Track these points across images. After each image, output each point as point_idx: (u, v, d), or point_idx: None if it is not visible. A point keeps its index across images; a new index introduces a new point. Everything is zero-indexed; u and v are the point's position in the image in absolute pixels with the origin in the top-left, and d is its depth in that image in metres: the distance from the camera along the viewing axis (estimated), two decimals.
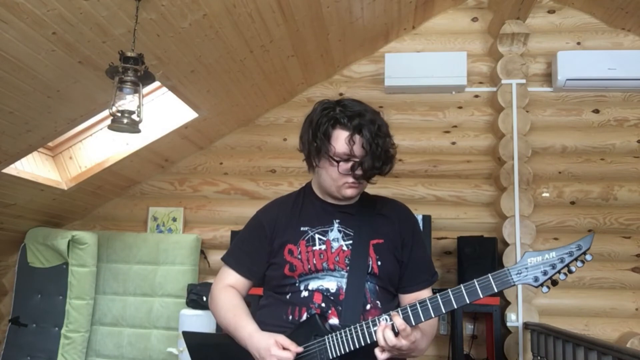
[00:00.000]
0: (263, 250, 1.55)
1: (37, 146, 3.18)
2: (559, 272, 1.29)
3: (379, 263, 1.49)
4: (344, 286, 1.45)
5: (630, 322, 3.58)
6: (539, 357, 3.16)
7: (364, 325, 1.35)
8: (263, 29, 3.03)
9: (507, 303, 3.54)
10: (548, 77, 3.88)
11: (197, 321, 3.39)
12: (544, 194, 3.78)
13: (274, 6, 2.85)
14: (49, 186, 3.47)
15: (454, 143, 3.94)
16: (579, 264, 1.26)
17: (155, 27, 2.55)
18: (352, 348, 1.35)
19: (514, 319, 3.50)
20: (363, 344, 1.35)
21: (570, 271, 1.27)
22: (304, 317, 1.43)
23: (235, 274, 1.58)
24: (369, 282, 1.47)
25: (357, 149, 1.46)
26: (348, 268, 1.47)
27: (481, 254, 3.47)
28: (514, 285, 1.26)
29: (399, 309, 1.34)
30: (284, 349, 1.36)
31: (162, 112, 3.60)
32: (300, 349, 1.36)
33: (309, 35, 3.37)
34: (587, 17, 3.92)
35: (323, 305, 1.43)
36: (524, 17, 3.72)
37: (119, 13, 2.33)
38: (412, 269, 1.57)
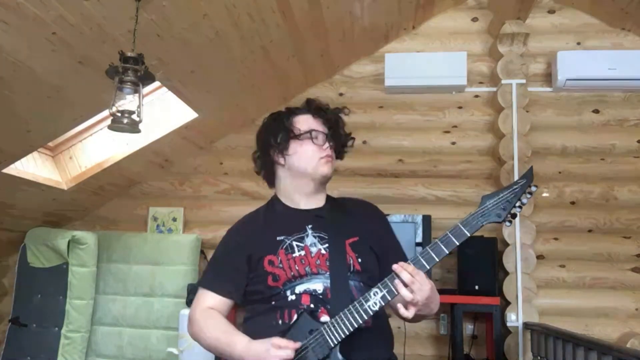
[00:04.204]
0: (242, 267, 1.54)
1: (37, 146, 3.18)
2: (514, 206, 1.40)
3: (360, 260, 1.54)
4: (330, 286, 1.47)
5: (630, 322, 3.58)
6: (539, 357, 3.17)
7: (356, 304, 1.37)
8: (263, 29, 3.03)
9: (507, 303, 3.54)
10: (548, 77, 3.88)
11: None
12: (544, 194, 3.78)
13: (274, 6, 2.85)
14: (49, 186, 3.47)
15: (454, 143, 3.94)
16: (528, 196, 1.39)
17: (155, 27, 2.55)
18: (352, 328, 1.36)
19: (514, 319, 3.50)
20: (361, 322, 1.37)
21: (522, 204, 1.40)
22: (294, 318, 1.44)
23: (215, 295, 1.56)
24: (353, 280, 1.51)
25: (321, 126, 1.60)
26: (330, 270, 1.49)
27: (481, 254, 3.47)
28: (483, 225, 1.41)
29: (409, 261, 1.38)
30: (282, 348, 1.37)
31: (162, 112, 3.60)
32: (298, 344, 1.37)
33: (309, 35, 3.37)
34: (587, 17, 3.92)
35: (312, 305, 1.45)
36: (524, 17, 3.72)
37: (119, 13, 2.33)
38: (390, 259, 1.60)
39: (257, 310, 1.53)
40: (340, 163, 4.48)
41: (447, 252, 1.38)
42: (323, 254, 1.51)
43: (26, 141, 3.00)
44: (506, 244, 3.62)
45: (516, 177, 3.63)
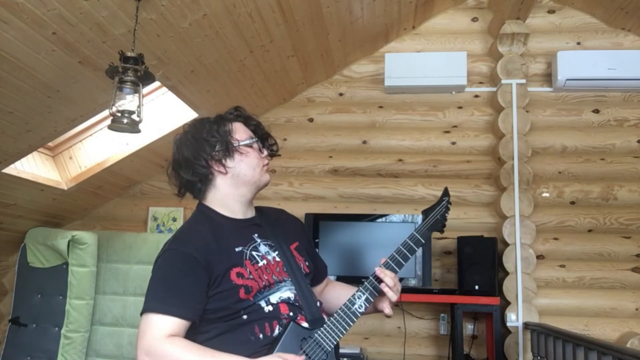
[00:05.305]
0: (202, 284, 1.37)
1: (37, 146, 3.18)
2: (445, 218, 1.65)
3: (307, 263, 1.59)
4: (297, 292, 1.48)
5: (630, 322, 3.59)
6: (539, 357, 3.17)
7: (344, 308, 1.46)
8: (263, 29, 3.03)
9: (507, 303, 3.54)
10: (548, 77, 3.88)
11: None
12: (544, 194, 3.78)
13: (274, 6, 2.85)
14: (49, 186, 3.47)
15: (454, 143, 3.94)
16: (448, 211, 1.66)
17: (155, 27, 2.55)
18: (345, 331, 1.44)
19: (514, 319, 3.50)
20: (352, 324, 1.46)
21: (447, 215, 1.66)
22: (277, 330, 1.39)
23: (176, 320, 1.33)
24: (307, 284, 1.55)
25: (254, 133, 1.61)
26: (290, 276, 1.50)
27: (481, 254, 3.47)
28: (431, 234, 1.64)
29: (382, 265, 1.50)
30: None
31: (162, 112, 3.60)
32: (302, 357, 1.34)
33: (309, 35, 3.37)
34: (587, 17, 3.92)
35: (291, 314, 1.43)
36: (524, 17, 3.72)
37: (119, 13, 2.33)
38: (318, 261, 1.71)
39: (219, 330, 1.39)
40: (340, 163, 4.47)
41: (410, 257, 1.54)
42: (278, 261, 1.50)
43: (26, 141, 3.00)
44: (506, 244, 3.62)
45: (516, 177, 3.64)
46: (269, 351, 1.35)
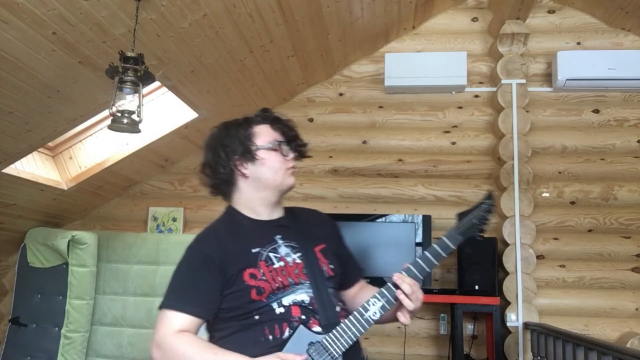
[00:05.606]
0: (217, 283, 1.43)
1: (37, 146, 3.18)
2: (483, 223, 1.52)
3: (331, 266, 1.54)
4: (313, 295, 1.46)
5: (630, 322, 3.58)
6: (539, 357, 3.17)
7: (356, 314, 1.41)
8: (263, 29, 3.03)
9: (507, 303, 3.54)
10: (548, 77, 3.88)
11: None
12: (544, 194, 3.78)
13: (274, 6, 2.85)
14: (49, 186, 3.47)
15: (454, 143, 3.94)
16: (489, 215, 1.53)
17: (155, 27, 2.55)
18: (355, 338, 1.40)
19: (514, 319, 3.50)
20: (363, 331, 1.40)
21: (488, 220, 1.53)
22: (286, 332, 1.40)
23: (187, 316, 1.39)
24: (329, 287, 1.51)
25: (281, 135, 1.58)
26: (309, 278, 1.48)
27: (481, 254, 3.47)
28: (463, 240, 1.51)
29: (402, 271, 1.44)
30: None
31: (162, 112, 3.60)
32: (304, 356, 1.35)
33: (309, 35, 3.37)
34: (587, 17, 3.92)
35: (303, 317, 1.42)
36: (524, 17, 3.72)
37: (119, 13, 2.33)
38: (350, 264, 1.66)
39: (233, 329, 1.43)
40: (340, 163, 4.46)
41: (436, 264, 1.46)
42: (298, 263, 1.49)
43: (26, 141, 3.00)
44: (506, 244, 3.62)
45: (516, 177, 3.64)
46: (278, 351, 1.35)
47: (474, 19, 4.03)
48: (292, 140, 1.60)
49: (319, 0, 3.06)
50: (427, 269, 1.45)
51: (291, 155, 1.58)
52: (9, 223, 3.63)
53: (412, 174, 3.94)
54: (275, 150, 1.55)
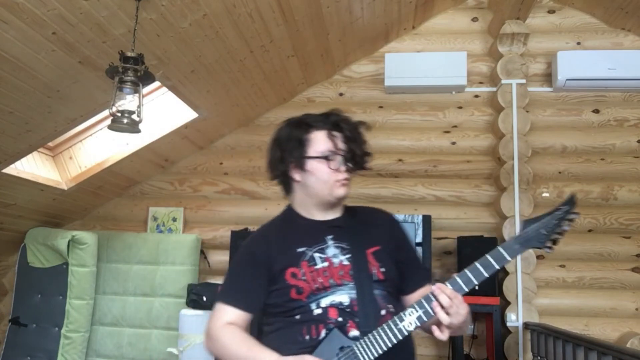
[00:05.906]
0: (262, 280, 1.49)
1: (37, 146, 3.18)
2: (555, 232, 1.35)
3: (383, 269, 1.50)
4: (356, 297, 1.43)
5: (630, 322, 3.58)
6: (539, 357, 3.17)
7: (390, 323, 1.36)
8: (263, 29, 3.03)
9: (507, 303, 3.54)
10: (548, 77, 3.88)
11: (197, 321, 3.39)
12: (544, 194, 3.78)
13: (274, 6, 2.85)
14: (49, 186, 3.47)
15: (454, 143, 3.94)
16: (569, 223, 1.34)
17: (155, 27, 2.55)
18: (386, 348, 1.34)
19: (514, 319, 3.50)
20: (395, 341, 1.34)
21: (563, 230, 1.35)
22: (322, 334, 1.39)
23: (235, 310, 1.48)
24: (377, 290, 1.47)
25: (340, 143, 1.54)
26: (354, 280, 1.45)
27: (481, 254, 3.43)
28: (524, 251, 1.38)
29: (446, 282, 1.36)
30: None
31: (162, 112, 3.60)
32: None
33: (309, 35, 3.37)
34: (587, 17, 3.92)
35: (340, 319, 1.41)
36: (524, 17, 3.72)
37: (119, 13, 2.33)
38: (412, 268, 1.59)
39: (279, 325, 1.48)
40: None
41: (487, 276, 1.37)
42: (345, 265, 1.47)
43: (26, 141, 3.00)
44: None
45: (516, 177, 3.64)
46: (310, 353, 1.35)
47: (474, 19, 4.03)
48: (348, 151, 1.54)
49: (319, 0, 3.06)
50: (475, 281, 1.36)
51: (343, 167, 1.53)
52: (9, 223, 3.63)
53: (412, 174, 3.94)
54: (326, 159, 1.51)
